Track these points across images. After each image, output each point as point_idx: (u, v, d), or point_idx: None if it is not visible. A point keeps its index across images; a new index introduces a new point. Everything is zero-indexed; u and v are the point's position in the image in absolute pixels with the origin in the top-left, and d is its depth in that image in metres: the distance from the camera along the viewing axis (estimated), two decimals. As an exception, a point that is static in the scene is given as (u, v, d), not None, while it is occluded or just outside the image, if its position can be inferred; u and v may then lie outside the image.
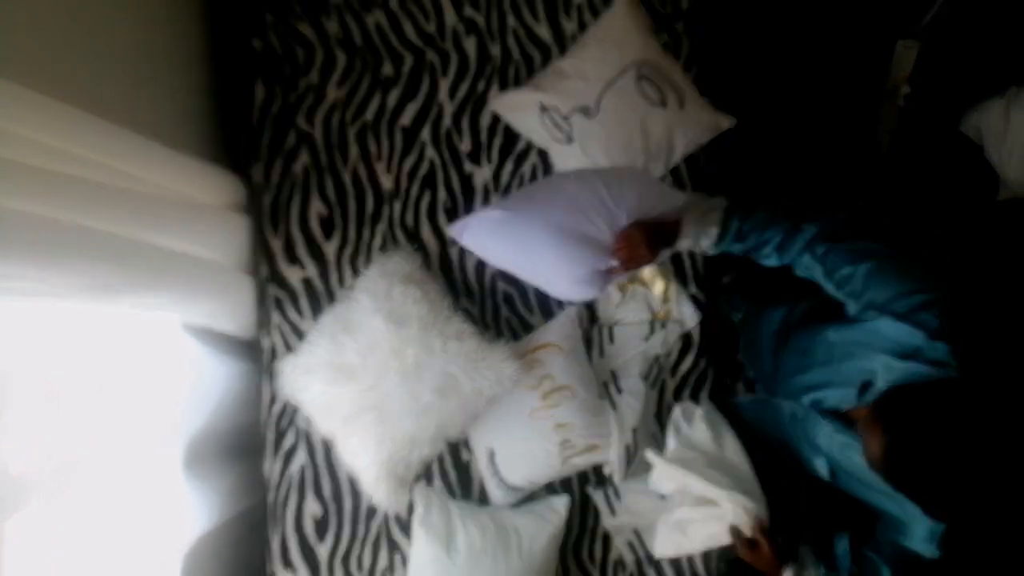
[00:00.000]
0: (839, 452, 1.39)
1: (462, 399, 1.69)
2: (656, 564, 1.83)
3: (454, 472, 1.84)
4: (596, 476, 1.85)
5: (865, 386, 1.30)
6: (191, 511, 1.73)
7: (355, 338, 1.70)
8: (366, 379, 1.68)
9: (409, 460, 1.71)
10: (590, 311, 1.88)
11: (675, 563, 1.83)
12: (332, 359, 1.70)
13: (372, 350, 1.68)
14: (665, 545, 1.60)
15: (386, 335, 1.67)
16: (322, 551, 1.83)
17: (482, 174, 1.91)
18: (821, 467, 1.45)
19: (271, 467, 1.84)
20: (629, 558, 1.82)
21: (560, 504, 1.78)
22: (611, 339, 1.85)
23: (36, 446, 1.43)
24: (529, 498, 1.83)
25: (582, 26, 1.91)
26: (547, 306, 1.87)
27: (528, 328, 1.87)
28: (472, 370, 1.68)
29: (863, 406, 1.32)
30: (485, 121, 1.91)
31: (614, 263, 1.47)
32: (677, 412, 1.67)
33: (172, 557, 1.66)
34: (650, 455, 1.60)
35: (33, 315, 1.44)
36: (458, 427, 1.74)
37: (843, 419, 1.38)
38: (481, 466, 1.80)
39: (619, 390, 1.82)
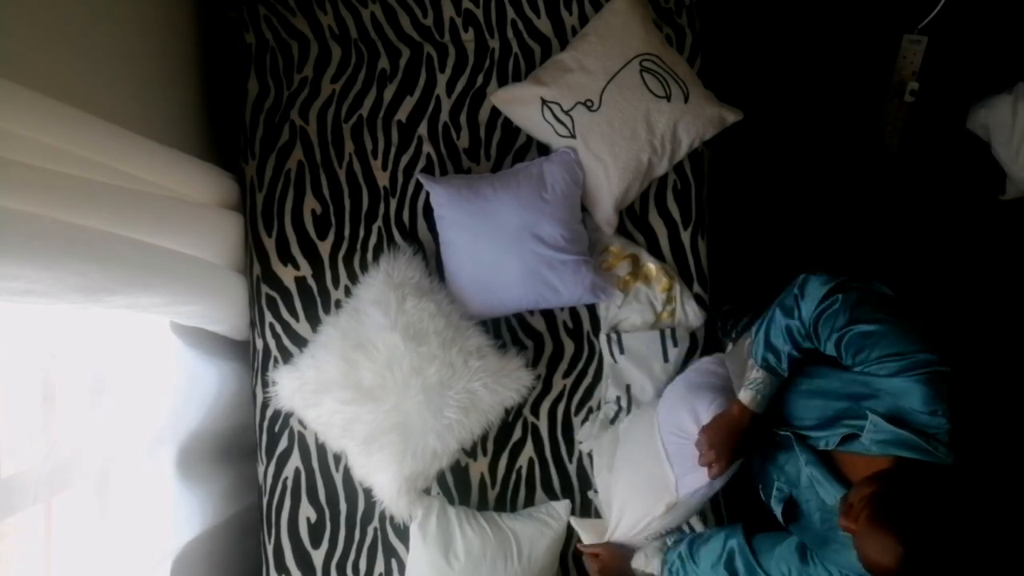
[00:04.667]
0: (806, 485, 1.36)
1: (483, 412, 1.69)
2: (658, 569, 1.80)
3: (452, 477, 1.80)
4: (598, 480, 1.82)
5: (848, 437, 1.27)
6: (183, 513, 1.71)
7: (370, 356, 1.67)
8: (388, 399, 1.66)
9: (428, 473, 1.70)
10: (591, 312, 1.84)
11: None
12: (345, 377, 1.67)
13: (391, 368, 1.66)
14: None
15: (405, 353, 1.65)
16: (317, 556, 1.79)
17: (480, 171, 1.86)
18: (777, 494, 1.42)
19: (264, 471, 1.80)
20: (631, 564, 1.79)
21: (561, 509, 1.75)
22: (621, 349, 1.81)
23: (30, 448, 1.42)
24: (530, 502, 1.81)
25: (583, 19, 1.87)
26: (548, 309, 1.83)
27: (528, 328, 1.84)
28: (493, 383, 1.68)
29: (843, 452, 1.29)
30: (484, 116, 1.87)
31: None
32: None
33: (163, 559, 1.64)
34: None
35: (26, 316, 1.42)
36: (477, 435, 1.73)
37: (818, 455, 1.34)
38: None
39: (628, 409, 1.79)
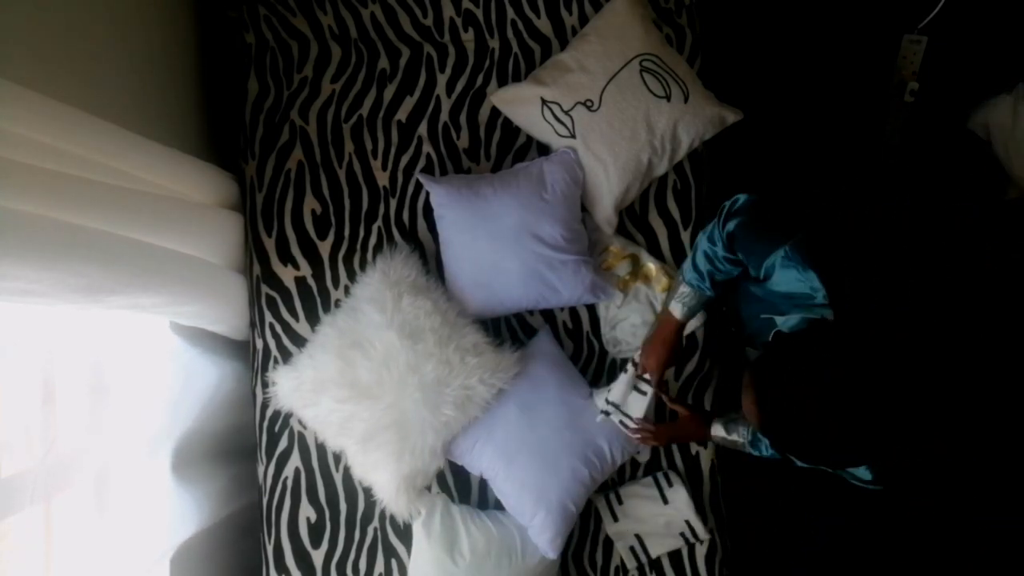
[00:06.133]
0: None
1: (481, 406, 1.69)
2: (658, 569, 1.80)
3: (452, 476, 1.80)
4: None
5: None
6: (180, 512, 1.71)
7: (366, 354, 1.67)
8: (385, 397, 1.66)
9: (428, 471, 1.70)
10: (591, 312, 1.84)
11: (677, 566, 1.79)
12: (342, 376, 1.67)
13: (387, 366, 1.66)
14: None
15: (402, 351, 1.65)
16: (317, 556, 1.79)
17: (480, 171, 1.86)
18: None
19: (264, 471, 1.80)
20: (631, 564, 1.79)
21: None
22: (619, 500, 1.82)
23: (30, 448, 1.42)
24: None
25: (583, 19, 1.87)
26: (548, 309, 1.83)
27: (527, 328, 1.84)
28: (490, 378, 1.68)
29: None
30: (484, 116, 1.87)
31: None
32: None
33: (161, 558, 1.64)
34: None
35: (25, 317, 1.42)
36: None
37: None
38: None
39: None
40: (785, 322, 1.27)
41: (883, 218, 2.42)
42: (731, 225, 1.35)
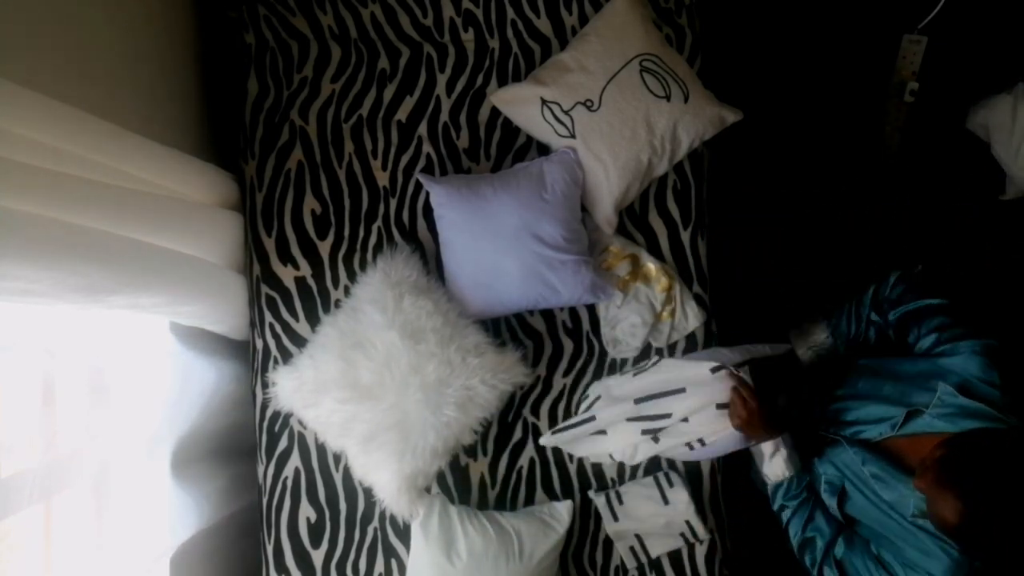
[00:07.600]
0: (863, 483, 1.38)
1: (482, 407, 1.69)
2: (658, 569, 1.80)
3: (452, 477, 1.80)
4: (597, 481, 1.81)
5: (910, 415, 1.29)
6: (180, 512, 1.71)
7: (368, 354, 1.67)
8: (386, 397, 1.66)
9: (428, 471, 1.70)
10: (591, 312, 1.84)
11: (677, 566, 1.79)
12: (344, 376, 1.67)
13: (389, 367, 1.66)
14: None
15: (403, 351, 1.65)
16: (317, 556, 1.79)
17: (480, 171, 1.87)
18: (827, 488, 1.45)
19: (264, 471, 1.80)
20: (631, 564, 1.79)
21: (563, 509, 1.74)
22: (620, 501, 1.81)
23: (29, 448, 1.42)
24: (530, 502, 1.80)
25: (583, 19, 1.87)
26: (548, 309, 1.83)
27: (527, 328, 1.84)
28: (492, 380, 1.68)
29: (897, 436, 1.32)
30: (484, 116, 1.87)
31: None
32: None
33: (160, 559, 1.64)
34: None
35: (25, 317, 1.42)
36: (475, 431, 1.73)
37: (873, 449, 1.37)
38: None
39: None
40: (942, 408, 1.26)
41: (883, 219, 2.42)
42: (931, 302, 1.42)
